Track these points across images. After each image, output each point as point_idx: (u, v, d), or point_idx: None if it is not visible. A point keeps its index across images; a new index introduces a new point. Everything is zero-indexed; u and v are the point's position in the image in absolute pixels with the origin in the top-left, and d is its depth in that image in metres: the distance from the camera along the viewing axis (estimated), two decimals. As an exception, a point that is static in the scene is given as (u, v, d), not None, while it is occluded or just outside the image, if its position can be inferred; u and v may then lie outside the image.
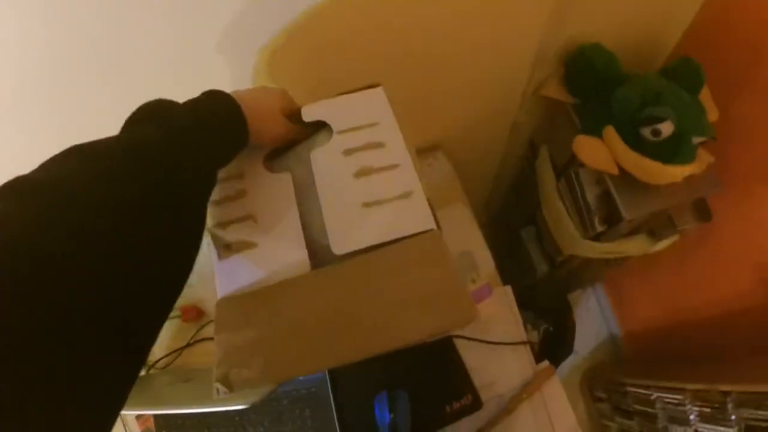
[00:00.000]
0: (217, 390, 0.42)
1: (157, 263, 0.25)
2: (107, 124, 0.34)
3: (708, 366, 0.86)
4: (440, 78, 0.68)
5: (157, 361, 0.73)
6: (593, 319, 1.19)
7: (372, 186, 0.44)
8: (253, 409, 0.71)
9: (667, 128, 0.61)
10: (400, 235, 0.42)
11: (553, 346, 0.89)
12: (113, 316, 0.21)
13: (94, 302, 0.20)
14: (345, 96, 0.50)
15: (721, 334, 0.85)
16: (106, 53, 0.50)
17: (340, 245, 0.42)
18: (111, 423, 0.22)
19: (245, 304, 0.44)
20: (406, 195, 0.44)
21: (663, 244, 0.79)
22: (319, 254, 0.45)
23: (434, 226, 0.43)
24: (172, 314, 0.78)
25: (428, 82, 0.67)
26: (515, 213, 1.00)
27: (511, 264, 0.79)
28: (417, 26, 0.59)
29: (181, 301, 0.76)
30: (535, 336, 1.08)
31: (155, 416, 0.71)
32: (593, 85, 0.71)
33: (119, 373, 0.22)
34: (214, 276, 0.48)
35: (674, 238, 0.79)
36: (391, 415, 0.67)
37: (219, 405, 0.60)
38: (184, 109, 0.36)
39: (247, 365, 0.41)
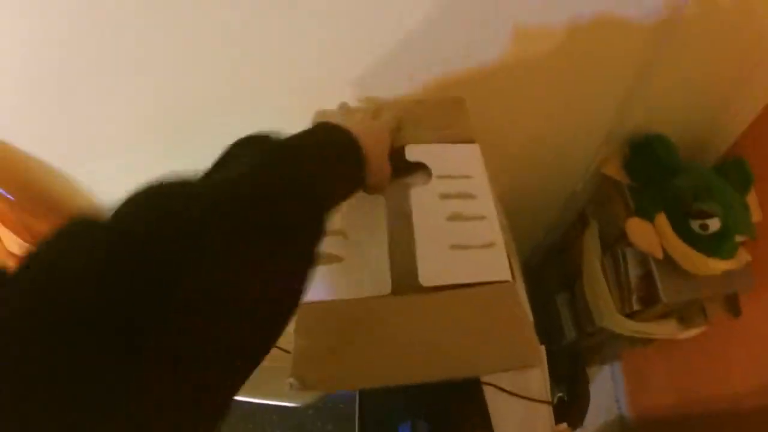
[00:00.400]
0: (290, 385, 0.49)
1: (158, 262, 0.25)
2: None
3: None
4: (512, 141, 0.78)
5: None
6: (604, 397, 1.25)
7: (461, 231, 0.53)
8: (276, 412, 0.77)
9: (714, 224, 0.69)
10: (479, 280, 0.50)
11: (563, 414, 0.94)
12: (114, 315, 0.22)
13: (94, 301, 0.21)
14: (445, 145, 0.59)
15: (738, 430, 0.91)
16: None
17: (427, 278, 0.50)
18: (121, 426, 0.22)
19: (325, 312, 0.52)
20: (489, 245, 0.52)
21: (690, 333, 0.87)
22: (399, 280, 0.53)
23: (510, 279, 0.51)
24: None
25: (500, 141, 0.77)
26: (551, 275, 1.08)
27: (538, 325, 0.86)
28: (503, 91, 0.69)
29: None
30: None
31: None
32: (652, 171, 0.80)
33: (122, 374, 0.22)
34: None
35: (702, 328, 0.86)
36: (410, 447, 0.73)
37: (268, 399, 0.66)
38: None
39: (323, 368, 0.48)
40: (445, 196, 0.55)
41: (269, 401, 0.66)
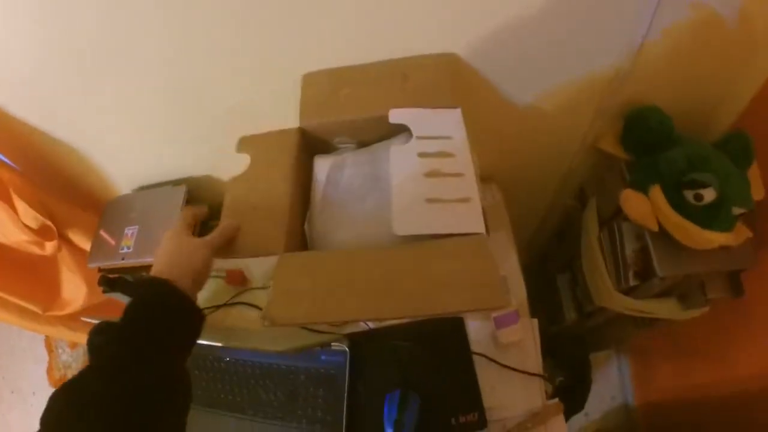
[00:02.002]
0: (262, 320, 0.52)
1: None
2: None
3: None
4: (505, 113, 0.80)
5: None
6: (610, 385, 1.25)
7: (438, 186, 0.56)
8: (269, 376, 0.81)
9: (709, 194, 0.70)
10: (453, 231, 0.53)
11: (564, 398, 0.96)
12: None
13: None
14: (428, 109, 0.62)
15: (743, 415, 0.90)
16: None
17: (401, 227, 0.54)
18: None
19: (303, 262, 0.56)
20: (465, 200, 0.55)
21: (692, 313, 0.87)
22: (377, 232, 0.57)
23: (483, 231, 0.54)
24: (216, 274, 0.90)
25: (494, 114, 0.80)
26: (555, 258, 1.09)
27: (540, 309, 0.88)
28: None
29: (229, 264, 0.88)
30: (549, 388, 1.15)
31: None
32: (646, 144, 0.81)
33: None
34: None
35: (704, 309, 0.86)
36: (398, 414, 0.76)
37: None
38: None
39: (293, 307, 0.52)
40: (423, 155, 0.58)
41: (253, 347, 0.70)
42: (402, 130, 0.62)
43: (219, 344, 0.78)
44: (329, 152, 0.66)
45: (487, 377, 0.80)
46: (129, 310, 0.48)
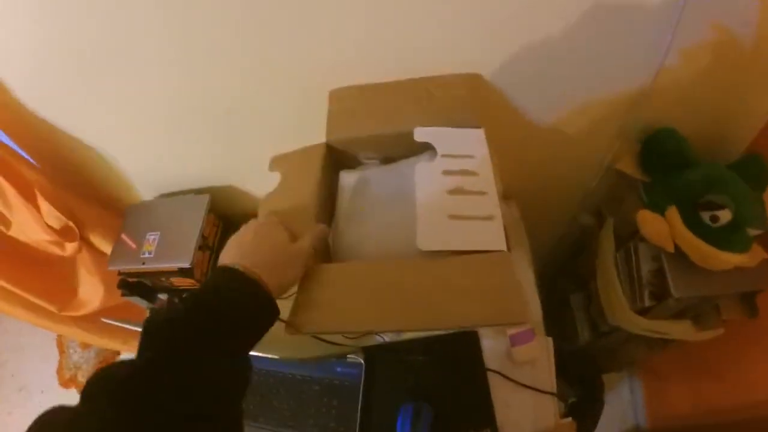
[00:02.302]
0: (286, 328, 0.53)
1: None
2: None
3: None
4: (527, 132, 0.82)
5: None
6: (622, 407, 1.24)
7: (461, 204, 0.58)
8: (283, 386, 0.83)
9: (725, 216, 0.71)
10: (476, 248, 0.55)
11: (576, 417, 0.97)
12: None
13: None
14: (453, 128, 0.64)
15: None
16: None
17: (425, 243, 0.55)
18: None
19: (326, 274, 0.57)
20: (488, 218, 0.57)
21: (706, 335, 0.87)
22: (401, 246, 0.58)
23: (506, 249, 0.55)
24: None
25: (516, 133, 0.82)
26: (569, 277, 1.10)
27: (553, 327, 0.89)
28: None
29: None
30: (561, 407, 1.15)
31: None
32: (663, 165, 0.82)
33: None
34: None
35: (718, 330, 0.87)
36: (411, 428, 0.76)
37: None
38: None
39: (316, 315, 0.54)
40: (447, 173, 0.60)
41: (274, 356, 0.72)
42: (427, 147, 0.64)
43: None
44: (354, 167, 0.68)
45: (500, 394, 0.81)
46: (199, 297, 0.46)
